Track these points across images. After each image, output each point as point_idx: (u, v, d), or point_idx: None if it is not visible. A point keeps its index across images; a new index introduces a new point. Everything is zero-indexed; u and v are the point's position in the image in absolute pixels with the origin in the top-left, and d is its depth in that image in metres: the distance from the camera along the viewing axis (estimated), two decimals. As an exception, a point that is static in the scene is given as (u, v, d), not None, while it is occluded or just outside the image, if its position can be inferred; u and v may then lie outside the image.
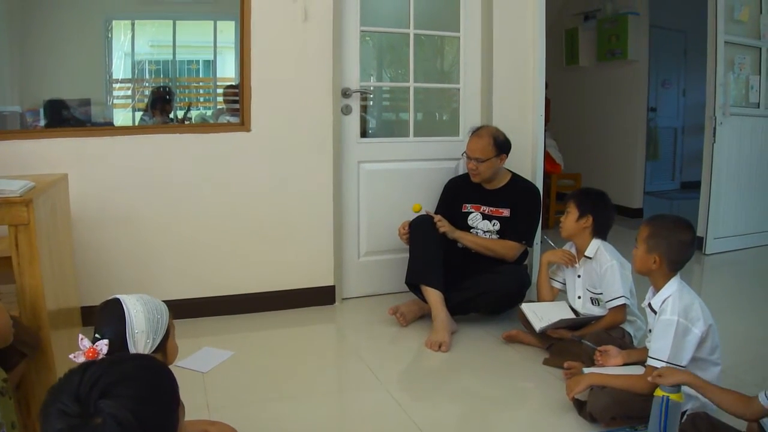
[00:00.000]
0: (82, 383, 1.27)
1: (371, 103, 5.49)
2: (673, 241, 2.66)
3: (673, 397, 2.35)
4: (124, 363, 1.40)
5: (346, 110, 4.37)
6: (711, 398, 2.35)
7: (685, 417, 2.43)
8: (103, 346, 1.78)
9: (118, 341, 1.87)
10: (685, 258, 2.70)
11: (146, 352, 1.91)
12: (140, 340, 1.92)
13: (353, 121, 4.43)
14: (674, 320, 2.56)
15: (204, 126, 4.10)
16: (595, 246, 3.47)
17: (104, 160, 3.86)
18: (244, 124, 4.09)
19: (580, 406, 2.83)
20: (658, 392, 2.37)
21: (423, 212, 4.05)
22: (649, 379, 2.43)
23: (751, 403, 2.22)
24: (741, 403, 2.27)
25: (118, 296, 1.98)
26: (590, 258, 3.48)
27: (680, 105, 9.77)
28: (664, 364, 2.54)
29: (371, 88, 5.30)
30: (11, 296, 2.49)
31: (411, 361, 3.66)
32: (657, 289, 2.72)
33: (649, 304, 2.74)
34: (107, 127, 4.62)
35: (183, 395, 1.45)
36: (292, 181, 4.22)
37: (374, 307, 4.36)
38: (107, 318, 1.92)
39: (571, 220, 3.50)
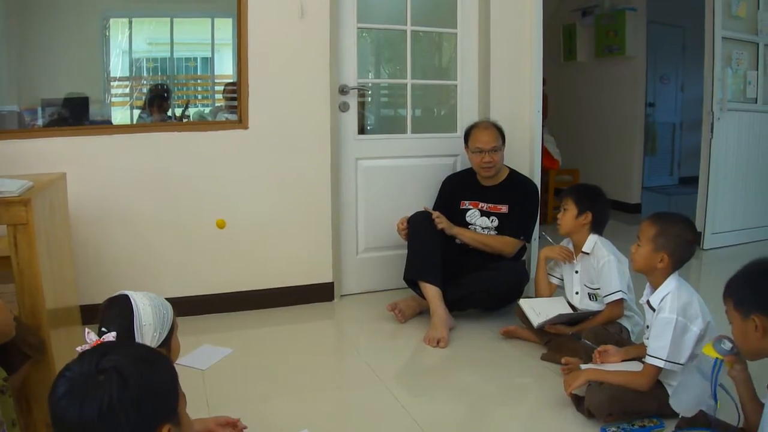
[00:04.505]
0: (86, 352, 1.39)
1: (369, 99, 5.50)
2: (680, 241, 2.66)
3: (727, 362, 2.25)
4: (131, 343, 1.58)
5: (344, 107, 4.37)
6: (741, 395, 2.30)
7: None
8: (110, 338, 1.76)
9: (126, 334, 1.89)
10: (688, 256, 2.71)
11: (153, 346, 1.93)
12: (148, 332, 1.94)
13: (351, 117, 4.44)
14: (673, 318, 2.57)
15: (202, 124, 4.10)
16: (592, 241, 3.47)
17: (103, 158, 3.86)
18: (241, 122, 4.10)
19: (577, 401, 2.85)
20: (712, 352, 2.26)
21: (421, 209, 4.07)
22: (725, 358, 2.24)
23: None
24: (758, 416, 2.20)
25: (124, 292, 2.01)
26: (588, 254, 3.48)
27: (678, 100, 9.76)
28: (662, 363, 2.55)
29: (369, 85, 5.31)
30: (11, 296, 2.50)
31: (409, 357, 3.67)
32: (655, 287, 2.72)
33: (648, 302, 2.74)
34: (105, 126, 4.63)
35: (181, 392, 1.48)
36: (289, 179, 4.22)
37: (373, 303, 4.37)
38: (114, 311, 1.94)
39: (569, 217, 3.50)
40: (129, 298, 1.98)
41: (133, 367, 1.32)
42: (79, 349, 1.77)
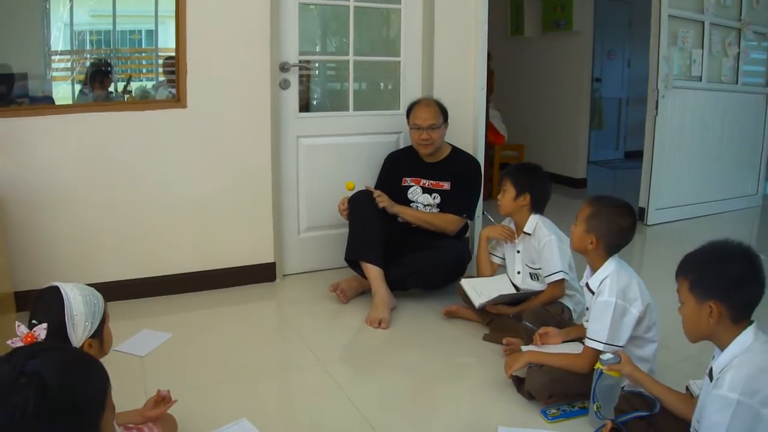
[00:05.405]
0: (16, 351, 1.34)
1: (316, 72, 5.43)
2: (613, 226, 2.66)
3: (606, 371, 2.43)
4: (63, 348, 1.51)
5: (285, 84, 4.29)
6: (652, 394, 2.34)
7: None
8: (41, 330, 1.78)
9: (57, 325, 1.89)
10: (622, 243, 2.70)
11: (85, 336, 1.95)
12: (79, 323, 1.94)
13: (292, 95, 4.36)
14: (612, 302, 2.57)
15: (140, 103, 4.01)
16: (533, 222, 3.47)
17: (38, 139, 3.73)
18: (180, 101, 3.99)
19: (518, 383, 2.85)
20: (597, 365, 2.46)
21: (363, 188, 4.03)
22: (605, 368, 2.44)
23: (692, 403, 2.17)
24: (681, 403, 2.25)
25: (54, 283, 2.01)
26: (529, 234, 3.48)
27: (625, 75, 9.85)
28: (602, 346, 2.56)
29: (311, 61, 5.23)
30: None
31: (351, 338, 3.66)
32: (594, 269, 2.72)
33: (587, 284, 2.74)
34: (41, 106, 4.46)
35: (120, 380, 1.46)
36: (229, 158, 4.15)
37: (315, 283, 4.35)
38: (45, 303, 1.94)
39: (508, 198, 3.50)
40: (59, 289, 1.98)
41: (57, 376, 1.28)
42: (9, 342, 1.74)
